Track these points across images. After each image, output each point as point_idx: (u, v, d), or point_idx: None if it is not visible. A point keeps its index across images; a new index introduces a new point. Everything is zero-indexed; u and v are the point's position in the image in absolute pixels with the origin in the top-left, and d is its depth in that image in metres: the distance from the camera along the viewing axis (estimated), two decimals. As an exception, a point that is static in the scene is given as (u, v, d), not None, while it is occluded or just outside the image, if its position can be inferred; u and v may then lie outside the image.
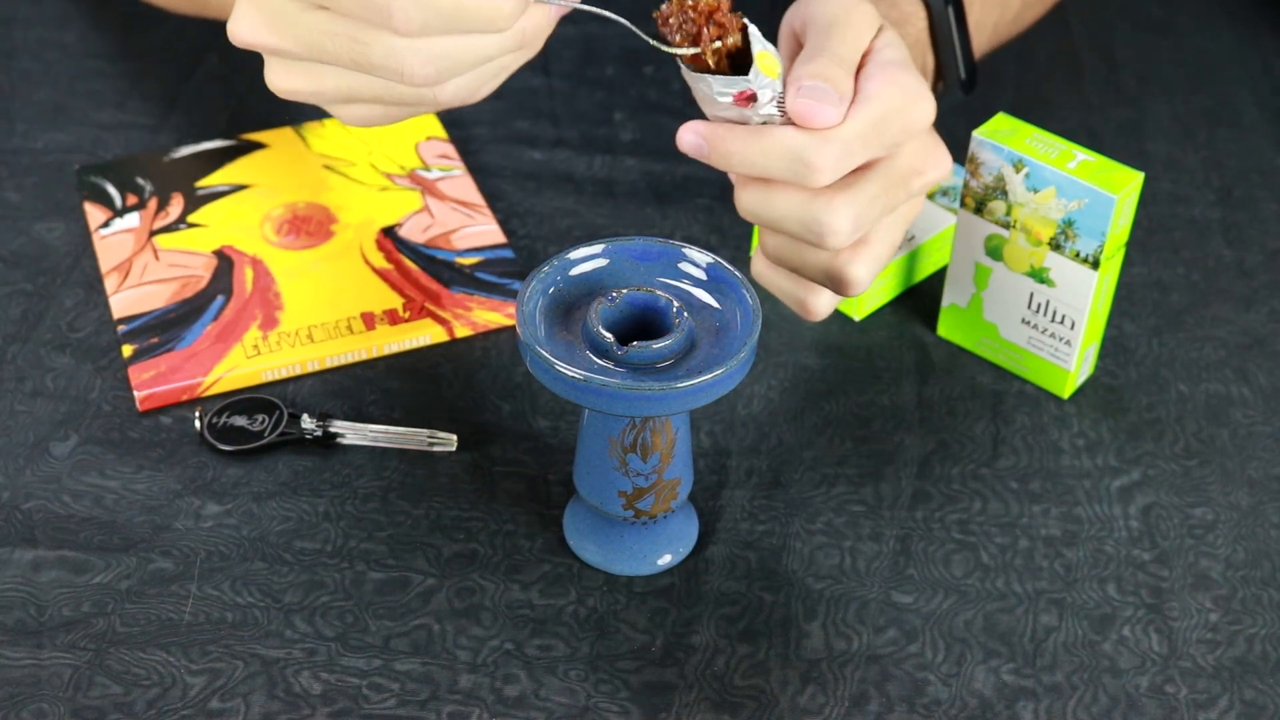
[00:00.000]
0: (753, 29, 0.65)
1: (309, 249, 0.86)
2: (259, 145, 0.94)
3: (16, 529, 0.72)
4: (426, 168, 0.93)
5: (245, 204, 0.89)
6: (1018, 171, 0.76)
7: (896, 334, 0.84)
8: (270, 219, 0.88)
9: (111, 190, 0.90)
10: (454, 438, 0.76)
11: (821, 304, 0.73)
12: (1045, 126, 0.99)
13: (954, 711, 0.65)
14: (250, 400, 0.77)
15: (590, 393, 0.62)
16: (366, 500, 0.74)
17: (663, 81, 1.03)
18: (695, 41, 0.65)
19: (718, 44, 0.65)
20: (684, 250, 0.67)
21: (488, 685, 0.66)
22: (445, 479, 0.75)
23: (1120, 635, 0.69)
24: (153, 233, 0.87)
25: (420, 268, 0.86)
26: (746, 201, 0.69)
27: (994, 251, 0.79)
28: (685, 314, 0.64)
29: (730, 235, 0.90)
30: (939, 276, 0.87)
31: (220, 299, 0.83)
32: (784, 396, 0.80)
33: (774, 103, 0.66)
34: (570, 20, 1.08)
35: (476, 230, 0.88)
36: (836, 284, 0.71)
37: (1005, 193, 0.77)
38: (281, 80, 0.63)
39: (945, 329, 0.84)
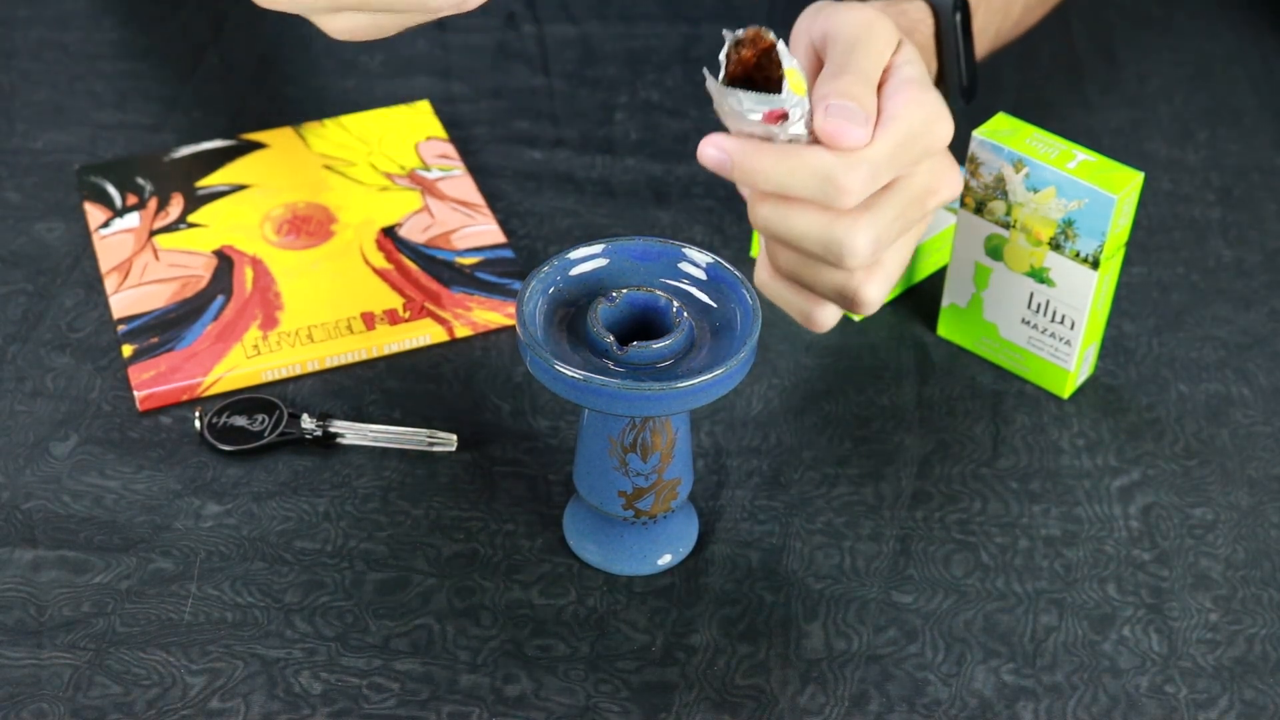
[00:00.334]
0: (781, 45, 0.65)
1: (309, 249, 0.86)
2: (259, 145, 0.94)
3: (16, 529, 0.72)
4: (426, 168, 0.93)
5: (245, 204, 0.89)
6: (1018, 171, 0.76)
7: (896, 334, 0.84)
8: (270, 219, 0.88)
9: (111, 190, 0.90)
10: (454, 438, 0.76)
11: (828, 317, 0.73)
12: (1045, 126, 0.99)
13: (954, 711, 0.65)
14: (250, 400, 0.77)
15: (590, 393, 0.62)
16: (366, 500, 0.74)
17: (663, 81, 1.03)
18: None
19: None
20: (684, 250, 0.67)
21: (488, 685, 0.66)
22: (445, 479, 0.75)
23: (1120, 635, 0.69)
24: (153, 233, 0.87)
25: (420, 268, 0.86)
26: (764, 216, 0.69)
27: (994, 251, 0.79)
28: (685, 314, 0.64)
29: (731, 236, 0.90)
30: (939, 276, 0.87)
31: (220, 299, 0.83)
32: (784, 396, 0.80)
33: (801, 121, 0.66)
34: (570, 20, 1.08)
35: (476, 230, 0.88)
36: (849, 303, 0.70)
37: (1005, 193, 0.77)
38: (336, 26, 0.61)
39: (945, 329, 0.84)
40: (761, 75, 0.66)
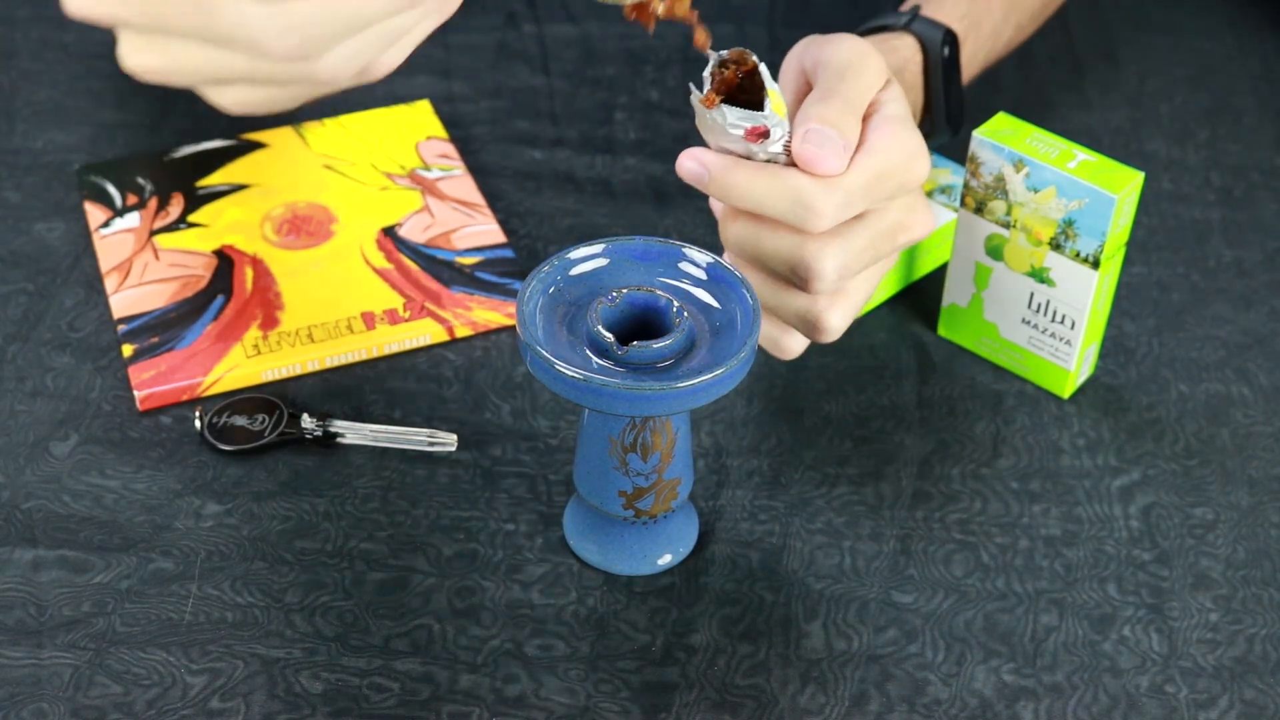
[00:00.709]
0: (762, 67, 0.66)
1: (309, 249, 0.86)
2: (259, 145, 0.94)
3: (16, 529, 0.72)
4: (426, 167, 0.93)
5: (245, 204, 0.89)
6: (1018, 171, 0.76)
7: (896, 333, 0.84)
8: (270, 219, 0.88)
9: (111, 190, 0.90)
10: (454, 438, 0.76)
11: (794, 344, 0.74)
12: (1045, 126, 0.99)
13: (954, 711, 0.65)
14: (250, 400, 0.77)
15: (590, 393, 0.62)
16: (366, 500, 0.74)
17: (663, 81, 1.03)
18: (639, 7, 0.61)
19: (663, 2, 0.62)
20: (684, 250, 0.67)
21: (488, 685, 0.66)
22: (445, 479, 0.75)
23: (1120, 635, 0.69)
24: (153, 232, 0.87)
25: (420, 267, 0.86)
26: (735, 234, 0.70)
27: (994, 251, 0.79)
28: (685, 314, 0.64)
29: (730, 235, 0.90)
30: (939, 276, 0.87)
31: (220, 298, 0.83)
32: (784, 396, 0.80)
33: (781, 141, 0.67)
34: (570, 20, 1.08)
35: (476, 230, 0.88)
36: (811, 329, 0.71)
37: (1005, 192, 0.77)
38: (133, 58, 0.53)
39: (945, 328, 0.84)
40: (744, 96, 0.68)
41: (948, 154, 0.92)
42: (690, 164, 0.69)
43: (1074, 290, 0.77)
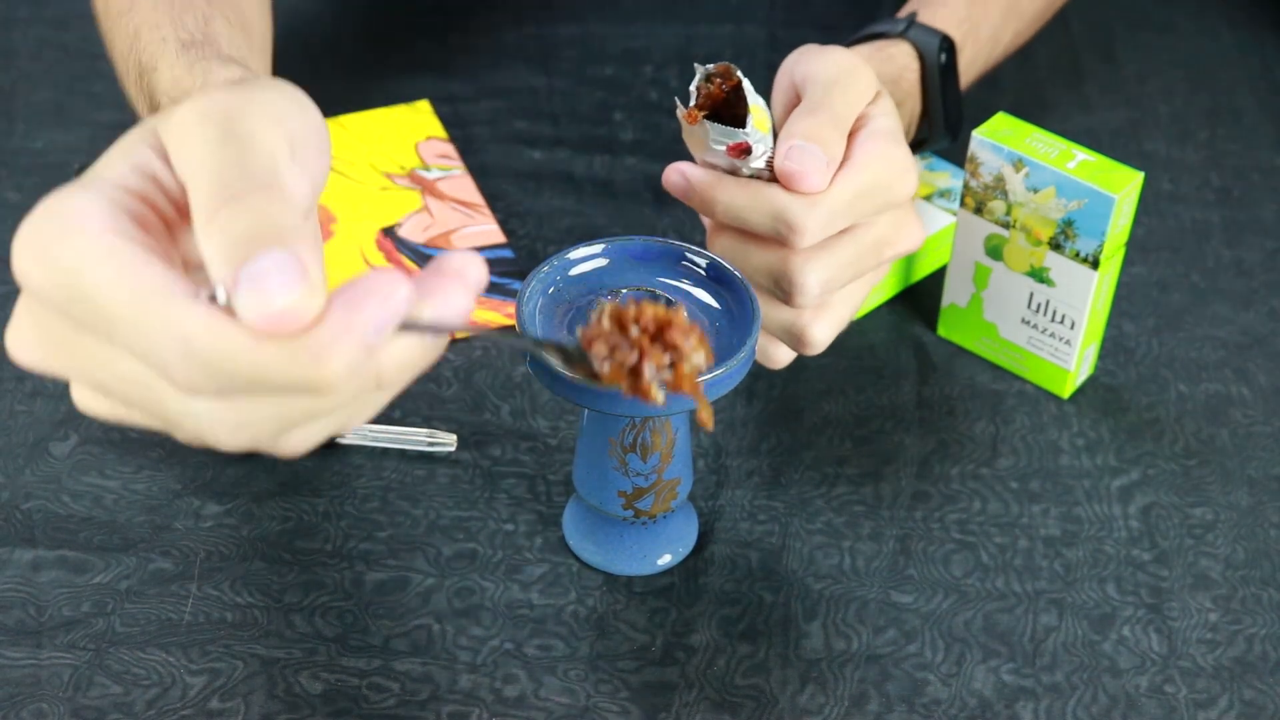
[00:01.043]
0: (746, 82, 0.66)
1: (309, 249, 0.86)
2: (259, 145, 0.94)
3: (16, 529, 0.72)
4: (426, 167, 0.93)
5: (245, 204, 0.89)
6: (1017, 171, 0.76)
7: (896, 333, 0.84)
8: (270, 219, 0.88)
9: (111, 190, 0.90)
10: (453, 438, 0.76)
11: (783, 354, 0.74)
12: (1045, 126, 0.99)
13: (954, 711, 0.65)
14: (250, 400, 0.77)
15: (590, 393, 0.62)
16: (366, 500, 0.74)
17: (663, 81, 1.03)
18: (634, 374, 0.51)
19: (668, 373, 0.51)
20: (684, 250, 0.67)
21: (487, 685, 0.66)
22: (445, 479, 0.75)
23: (1120, 635, 0.69)
24: (153, 233, 0.87)
25: (420, 268, 0.86)
26: (721, 248, 0.70)
27: (994, 251, 0.79)
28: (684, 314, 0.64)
29: (730, 235, 0.90)
30: (938, 275, 0.87)
31: (220, 299, 0.83)
32: (784, 396, 0.80)
33: (764, 157, 0.67)
34: (570, 20, 1.08)
35: (476, 230, 0.88)
36: (795, 342, 0.71)
37: (1005, 192, 0.77)
38: (83, 402, 0.49)
39: (945, 328, 0.84)
40: (730, 110, 0.68)
41: (946, 157, 0.92)
42: (675, 178, 0.70)
43: (1074, 290, 0.77)
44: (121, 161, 0.47)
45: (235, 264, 0.43)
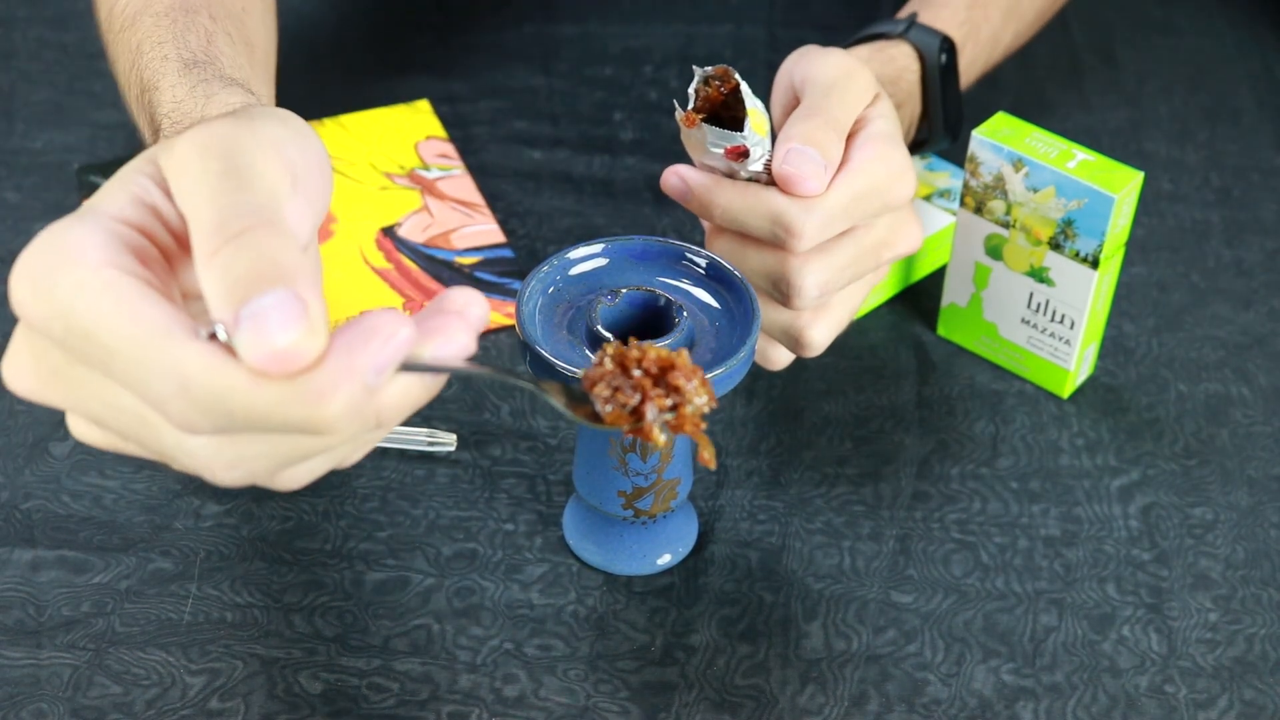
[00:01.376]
0: (744, 86, 0.66)
1: (309, 249, 0.86)
2: (259, 145, 0.94)
3: (16, 529, 0.72)
4: (426, 167, 0.93)
5: (245, 204, 0.89)
6: (1017, 171, 0.76)
7: (896, 333, 0.84)
8: (270, 219, 0.88)
9: (111, 190, 0.90)
10: (453, 437, 0.76)
11: (782, 356, 0.74)
12: (1045, 126, 0.99)
13: (953, 711, 0.65)
14: (250, 400, 0.77)
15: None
16: (366, 500, 0.74)
17: (662, 81, 1.03)
18: (636, 416, 0.51)
19: (669, 415, 0.51)
20: (684, 249, 0.67)
21: (487, 685, 0.66)
22: (445, 479, 0.75)
23: (1120, 635, 0.69)
24: (152, 233, 0.87)
25: (420, 267, 0.86)
26: (719, 251, 0.70)
27: (994, 251, 0.79)
28: (685, 313, 0.64)
29: (730, 235, 0.90)
30: (938, 275, 0.87)
31: (220, 299, 0.83)
32: (784, 396, 0.80)
33: (762, 160, 0.67)
34: (570, 20, 1.08)
35: (476, 230, 0.88)
36: (794, 344, 0.71)
37: (1005, 192, 0.77)
38: (80, 433, 0.49)
39: (945, 328, 0.84)
40: (728, 113, 0.68)
41: (946, 157, 0.92)
42: (673, 181, 0.70)
43: (1073, 290, 0.77)
44: (121, 193, 0.47)
45: (236, 303, 0.43)
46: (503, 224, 0.90)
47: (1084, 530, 0.73)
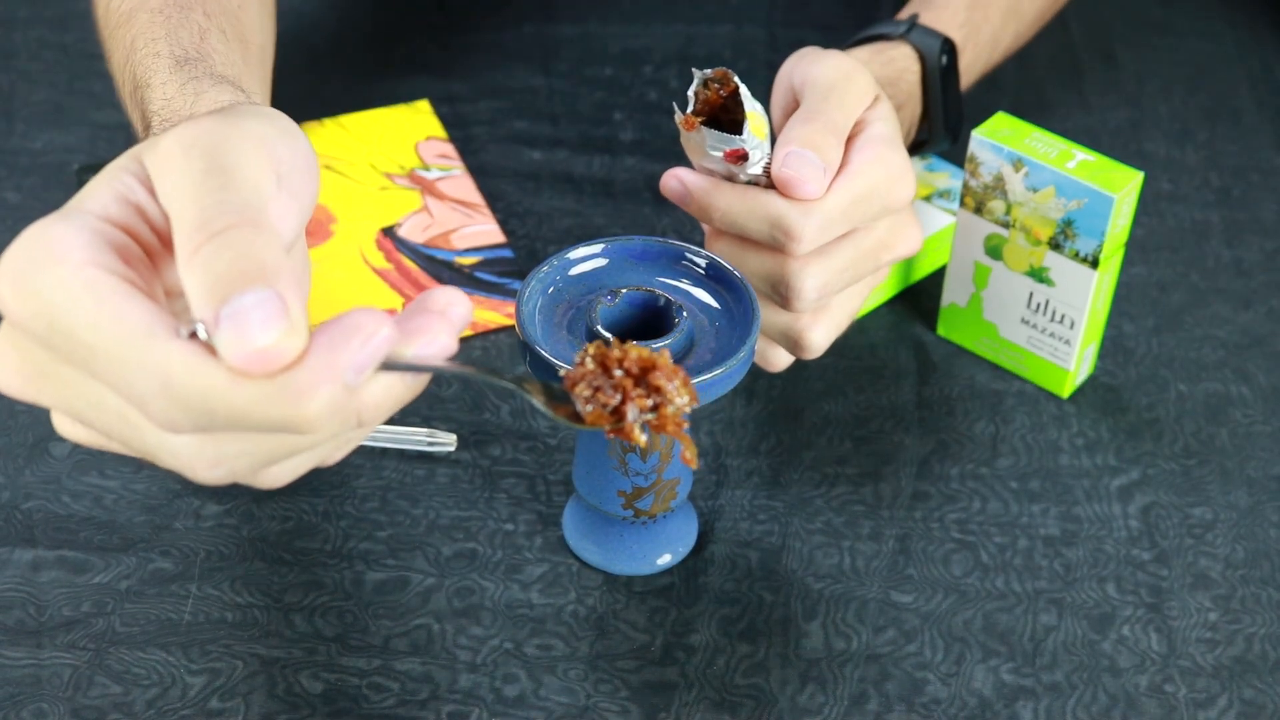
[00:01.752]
0: (743, 88, 0.66)
1: (308, 249, 0.86)
2: (259, 145, 0.94)
3: (16, 529, 0.72)
4: (426, 167, 0.93)
5: (245, 204, 0.89)
6: (1017, 171, 0.76)
7: (896, 333, 0.84)
8: (270, 219, 0.88)
9: (111, 190, 0.90)
10: (453, 438, 0.76)
11: (781, 358, 0.74)
12: (1045, 126, 0.99)
13: (953, 711, 0.65)
14: (250, 400, 0.77)
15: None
16: (366, 500, 0.74)
17: (662, 82, 1.03)
18: (617, 416, 0.51)
19: (651, 415, 0.52)
20: (684, 250, 0.67)
21: (487, 685, 0.66)
22: (445, 479, 0.75)
23: (1120, 635, 0.69)
24: (152, 233, 0.87)
25: (420, 268, 0.86)
26: (718, 253, 0.70)
27: (993, 251, 0.79)
28: (685, 313, 0.64)
29: (730, 235, 0.90)
30: (938, 275, 0.87)
31: (220, 299, 0.83)
32: (784, 396, 0.80)
33: (761, 163, 0.67)
34: (570, 20, 1.08)
35: (476, 230, 0.88)
36: (793, 346, 0.71)
37: (1005, 192, 0.77)
38: (64, 430, 0.49)
39: (945, 328, 0.84)
40: (728, 116, 0.68)
41: (946, 157, 0.92)
42: (673, 183, 0.70)
43: (1073, 290, 0.77)
44: (105, 191, 0.47)
45: (216, 302, 0.43)
46: (503, 224, 0.90)
47: (1084, 530, 0.73)
